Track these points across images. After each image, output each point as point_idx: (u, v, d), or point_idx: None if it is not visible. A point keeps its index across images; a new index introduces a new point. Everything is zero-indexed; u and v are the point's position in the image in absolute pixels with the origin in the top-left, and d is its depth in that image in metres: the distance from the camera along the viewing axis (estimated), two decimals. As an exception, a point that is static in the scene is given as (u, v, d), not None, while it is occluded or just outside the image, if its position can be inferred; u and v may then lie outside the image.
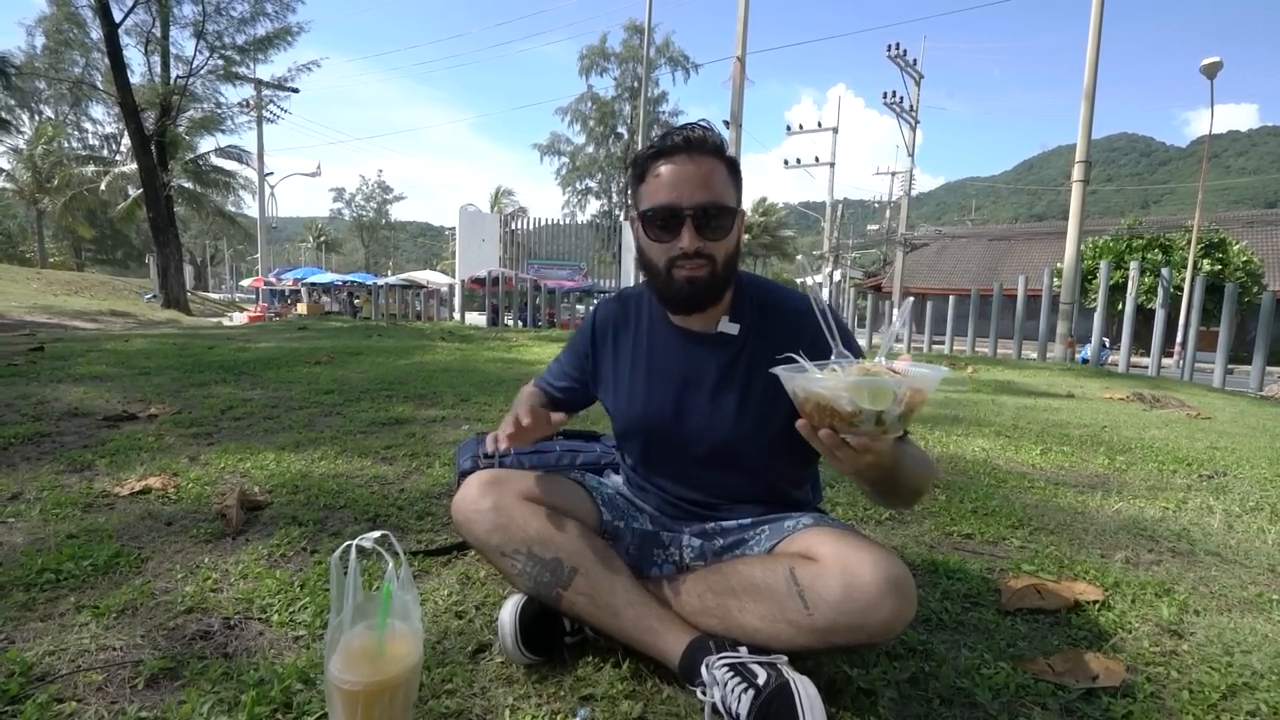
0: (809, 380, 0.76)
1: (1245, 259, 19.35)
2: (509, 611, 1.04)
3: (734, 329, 1.13)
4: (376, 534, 0.81)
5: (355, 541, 0.80)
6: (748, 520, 1.15)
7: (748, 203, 1.18)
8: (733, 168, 1.07)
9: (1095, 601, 1.29)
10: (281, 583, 1.27)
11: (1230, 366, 7.69)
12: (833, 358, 0.86)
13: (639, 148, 14.97)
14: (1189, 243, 17.91)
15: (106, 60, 13.69)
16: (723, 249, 1.05)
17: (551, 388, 1.33)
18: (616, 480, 1.33)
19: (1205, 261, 18.48)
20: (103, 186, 22.40)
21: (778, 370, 0.83)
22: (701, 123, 1.07)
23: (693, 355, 1.14)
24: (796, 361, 0.87)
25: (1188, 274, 16.10)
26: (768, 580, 0.96)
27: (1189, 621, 1.25)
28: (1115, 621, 1.23)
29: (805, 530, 1.04)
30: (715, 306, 1.13)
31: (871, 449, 0.77)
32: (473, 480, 1.10)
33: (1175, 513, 1.94)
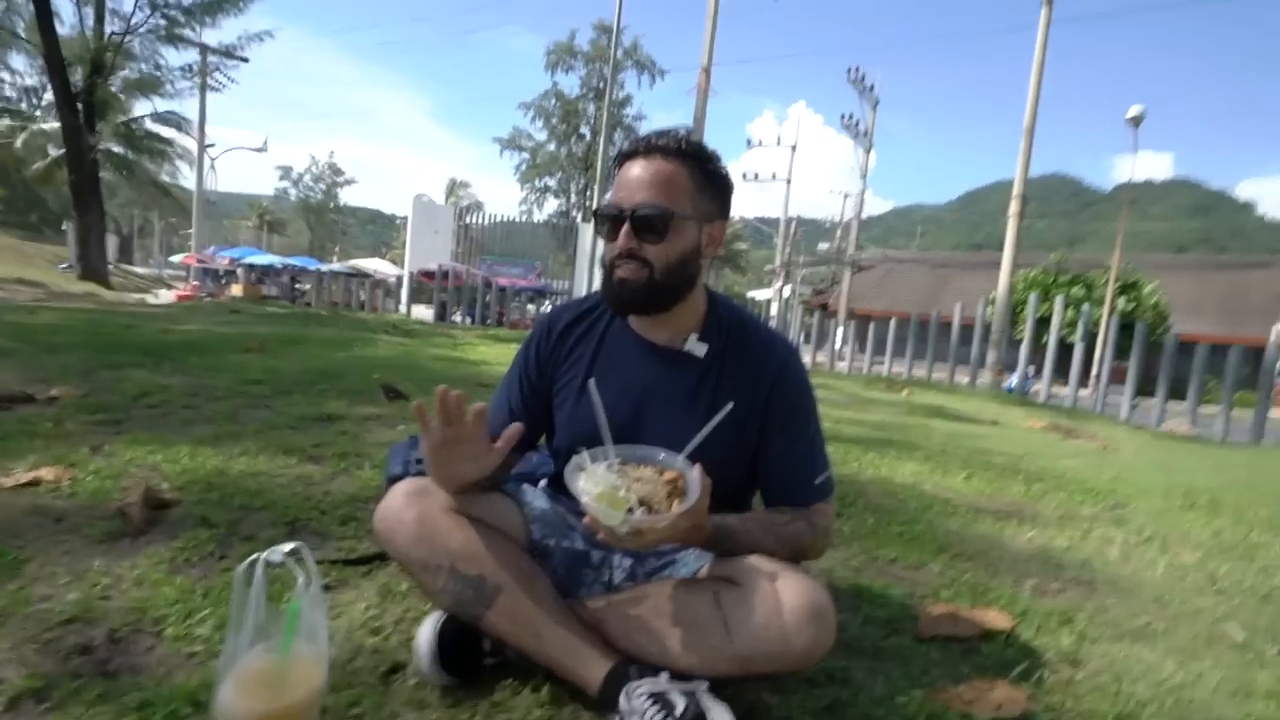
0: (572, 476, 0.91)
1: (1155, 300, 20.92)
2: (428, 630, 1.00)
3: (701, 349, 1.11)
4: (289, 546, 0.76)
5: (264, 555, 0.75)
6: None
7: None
8: (706, 176, 1.06)
9: (1004, 630, 1.35)
10: (182, 591, 1.18)
11: (1137, 400, 8.27)
12: (606, 455, 0.96)
13: (600, 148, 14.97)
14: (1107, 281, 19.22)
15: (31, 7, 12.66)
16: (661, 254, 1.03)
17: (505, 425, 1.06)
18: (548, 490, 1.29)
19: (1121, 299, 19.86)
20: (18, 144, 20.65)
21: (564, 471, 0.93)
22: (677, 130, 1.06)
23: (655, 368, 1.12)
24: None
25: (1105, 311, 17.27)
26: (691, 605, 0.96)
27: (1085, 650, 1.32)
28: (1021, 650, 1.29)
29: (734, 554, 1.04)
30: (680, 320, 1.11)
31: (619, 544, 0.89)
32: (398, 489, 1.06)
33: (1080, 542, 2.06)
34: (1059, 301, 9.40)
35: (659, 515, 0.85)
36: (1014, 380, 10.49)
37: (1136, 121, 16.20)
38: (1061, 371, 8.99)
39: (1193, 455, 4.49)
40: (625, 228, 1.02)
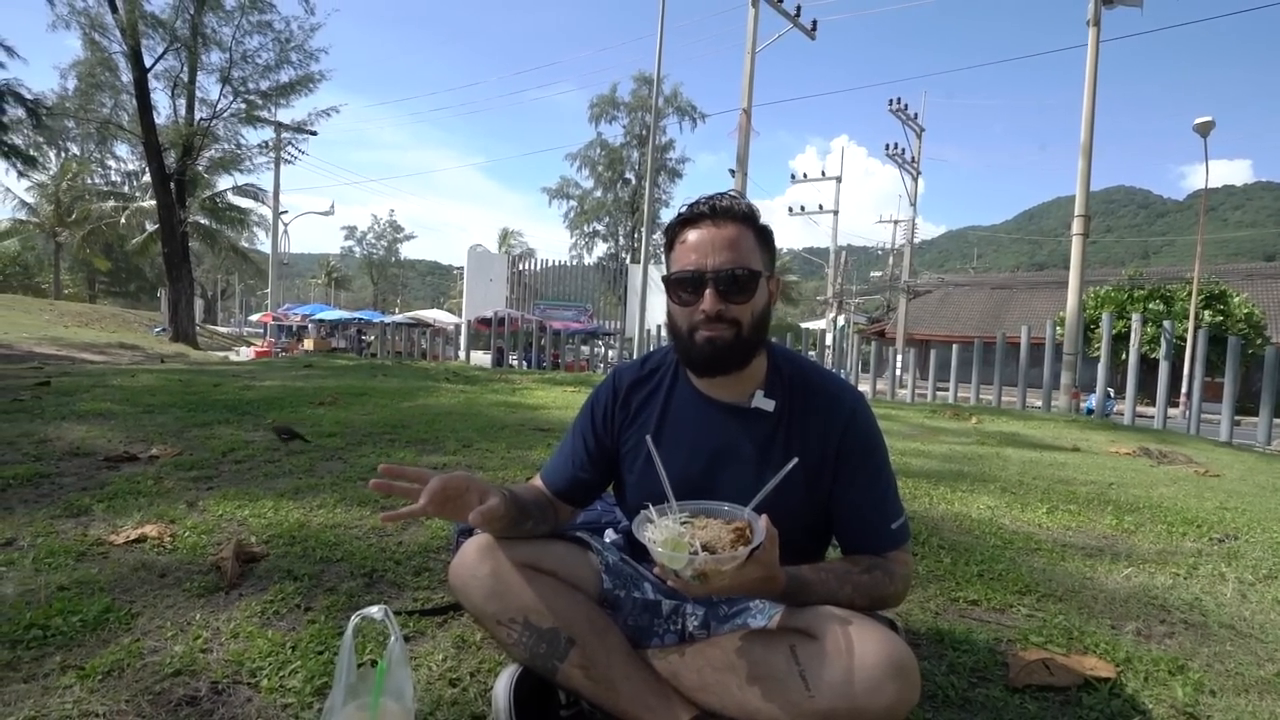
0: (640, 527, 0.94)
1: (1247, 311, 19.41)
2: (504, 683, 1.02)
3: (769, 405, 1.11)
4: (375, 609, 0.80)
5: (352, 623, 0.79)
6: None
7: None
8: (762, 235, 1.09)
9: (1106, 679, 1.25)
10: (273, 644, 1.25)
11: (1237, 418, 7.62)
12: (672, 510, 0.97)
13: (646, 193, 15.37)
14: (1189, 294, 18.01)
15: (134, 102, 14.22)
16: (747, 312, 1.05)
17: (567, 482, 1.19)
18: (618, 541, 1.30)
19: (1206, 313, 18.54)
20: (121, 221, 22.94)
21: (632, 524, 0.95)
22: (730, 193, 1.09)
23: (726, 428, 1.12)
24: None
25: (1190, 325, 16.14)
26: (768, 658, 0.94)
27: (1205, 703, 1.21)
28: (1129, 702, 1.19)
29: (809, 602, 1.02)
30: (746, 377, 1.11)
31: (687, 589, 0.90)
32: (471, 544, 1.09)
33: (1186, 580, 1.90)
34: (1136, 318, 8.87)
35: (722, 555, 0.86)
36: (1093, 401, 9.85)
37: (1205, 130, 15.40)
38: (1146, 390, 8.39)
39: (1309, 479, 4.07)
40: (710, 289, 1.03)
